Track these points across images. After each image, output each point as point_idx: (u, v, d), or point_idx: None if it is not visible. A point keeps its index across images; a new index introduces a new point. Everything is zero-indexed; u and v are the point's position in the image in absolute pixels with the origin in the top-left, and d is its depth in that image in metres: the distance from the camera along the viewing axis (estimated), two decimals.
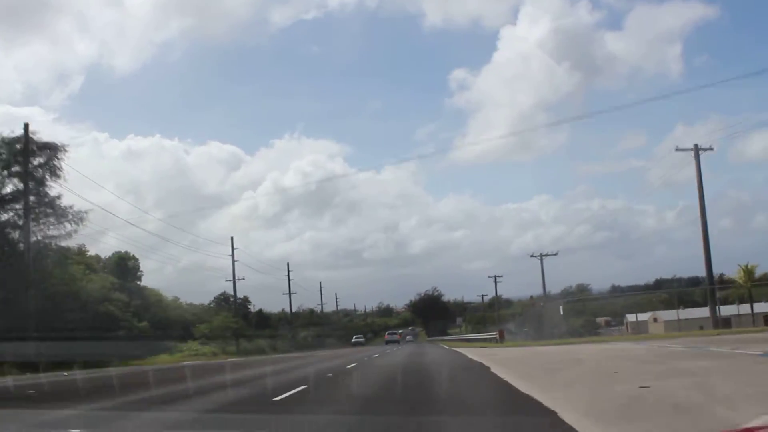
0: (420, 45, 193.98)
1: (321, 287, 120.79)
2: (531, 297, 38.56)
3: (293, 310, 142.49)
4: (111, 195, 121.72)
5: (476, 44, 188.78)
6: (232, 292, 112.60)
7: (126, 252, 60.73)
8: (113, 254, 59.77)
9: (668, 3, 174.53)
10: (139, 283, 61.20)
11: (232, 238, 68.51)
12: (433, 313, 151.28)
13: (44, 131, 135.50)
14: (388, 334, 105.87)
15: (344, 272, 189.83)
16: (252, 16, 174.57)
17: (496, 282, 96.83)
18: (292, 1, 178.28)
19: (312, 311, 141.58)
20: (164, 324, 58.60)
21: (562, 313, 40.26)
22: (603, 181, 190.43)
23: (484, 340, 51.01)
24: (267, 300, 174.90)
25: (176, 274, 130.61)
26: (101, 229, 67.31)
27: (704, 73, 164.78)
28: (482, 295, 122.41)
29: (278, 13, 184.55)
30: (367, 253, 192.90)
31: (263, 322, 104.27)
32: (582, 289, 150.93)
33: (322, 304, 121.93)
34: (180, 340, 57.96)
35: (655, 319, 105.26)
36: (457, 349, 35.98)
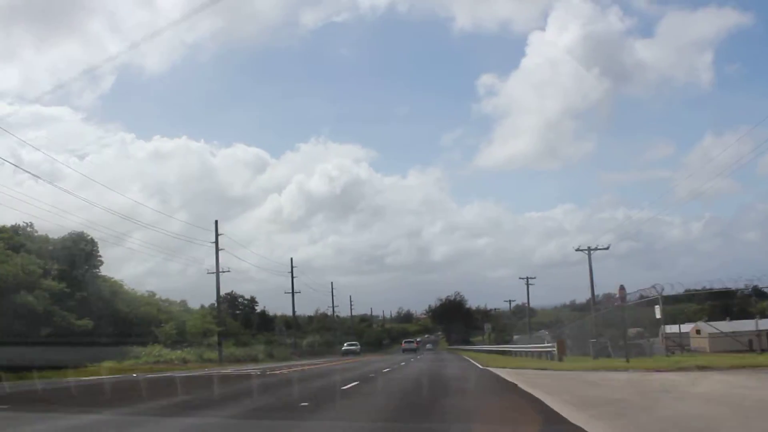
0: (449, 49, 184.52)
1: (332, 288, 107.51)
2: (623, 286, 24.33)
3: (310, 314, 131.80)
4: (136, 196, 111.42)
5: (505, 49, 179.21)
6: (239, 292, 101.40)
7: (81, 233, 47.94)
8: (69, 234, 46.90)
9: (701, 10, 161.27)
10: (96, 271, 48.31)
11: (216, 222, 55.52)
12: (455, 320, 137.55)
13: (72, 131, 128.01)
14: (405, 342, 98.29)
15: (366, 277, 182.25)
16: (283, 17, 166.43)
17: (528, 284, 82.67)
18: (324, 3, 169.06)
19: (326, 315, 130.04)
20: (125, 323, 45.78)
21: (659, 315, 26.16)
22: (629, 190, 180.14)
23: (531, 353, 37.22)
24: (286, 304, 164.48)
25: (198, 276, 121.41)
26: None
27: (735, 82, 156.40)
28: (509, 300, 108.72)
29: (309, 15, 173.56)
30: (389, 258, 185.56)
31: (266, 324, 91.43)
32: (609, 297, 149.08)
33: (333, 307, 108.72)
34: (142, 344, 45.00)
35: (698, 331, 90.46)
36: (502, 373, 21.65)
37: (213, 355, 52.23)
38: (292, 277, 77.83)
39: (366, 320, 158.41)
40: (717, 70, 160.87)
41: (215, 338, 57.73)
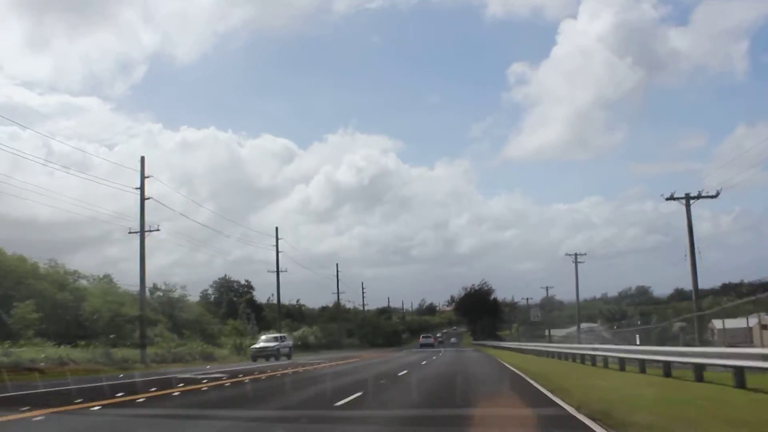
0: (480, 37, 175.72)
1: (338, 270, 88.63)
2: None
3: (324, 305, 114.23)
4: (164, 187, 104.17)
5: (537, 37, 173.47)
6: (236, 278, 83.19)
7: None
8: None
9: None
10: None
11: (142, 159, 36.28)
12: (481, 312, 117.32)
13: (102, 121, 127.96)
14: (423, 337, 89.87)
15: (391, 269, 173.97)
16: (316, 5, 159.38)
17: (576, 261, 62.68)
18: None
19: (337, 304, 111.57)
20: None
21: None
22: (658, 182, 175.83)
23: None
24: (309, 296, 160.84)
25: (226, 267, 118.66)
26: None
27: None
28: (547, 287, 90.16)
29: (342, 2, 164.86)
30: (415, 250, 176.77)
31: (254, 313, 72.81)
32: (642, 291, 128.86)
33: (338, 293, 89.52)
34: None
35: (764, 326, 72.84)
36: None
37: (131, 353, 33.54)
38: (277, 251, 58.83)
39: (386, 312, 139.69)
40: (752, 59, 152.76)
41: (157, 328, 39.55)
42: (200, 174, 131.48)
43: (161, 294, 46.86)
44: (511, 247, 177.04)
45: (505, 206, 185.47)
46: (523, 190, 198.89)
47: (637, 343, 29.22)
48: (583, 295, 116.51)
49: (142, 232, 35.48)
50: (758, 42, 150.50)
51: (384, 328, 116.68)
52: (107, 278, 41.30)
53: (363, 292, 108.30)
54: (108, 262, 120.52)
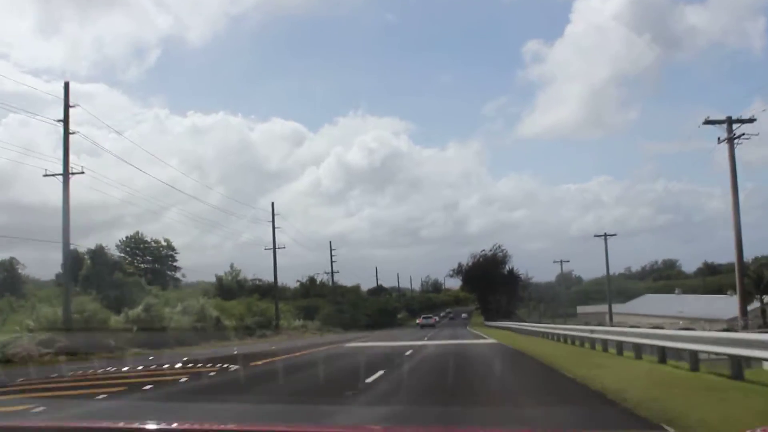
0: (496, 14, 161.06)
1: (273, 217, 59.22)
2: None
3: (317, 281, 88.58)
4: (174, 171, 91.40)
5: (553, 14, 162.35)
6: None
7: None
8: None
9: None
10: None
11: None
12: (492, 285, 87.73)
13: (113, 106, 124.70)
14: (423, 317, 77.31)
15: (399, 251, 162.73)
16: None
17: (731, 140, 33.82)
18: None
19: (312, 279, 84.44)
20: None
21: None
22: (671, 160, 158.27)
23: None
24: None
25: (235, 250, 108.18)
26: None
27: None
28: (606, 234, 63.49)
29: None
30: (424, 231, 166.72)
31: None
32: (669, 265, 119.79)
33: (274, 249, 59.17)
34: None
35: None
36: None
37: None
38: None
39: (384, 290, 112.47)
40: None
41: None
42: (210, 158, 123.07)
43: None
44: (522, 227, 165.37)
45: (515, 186, 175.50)
46: (534, 170, 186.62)
47: None
48: (594, 274, 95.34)
49: None
50: None
51: (370, 307, 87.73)
52: None
53: (332, 258, 78.44)
54: None
